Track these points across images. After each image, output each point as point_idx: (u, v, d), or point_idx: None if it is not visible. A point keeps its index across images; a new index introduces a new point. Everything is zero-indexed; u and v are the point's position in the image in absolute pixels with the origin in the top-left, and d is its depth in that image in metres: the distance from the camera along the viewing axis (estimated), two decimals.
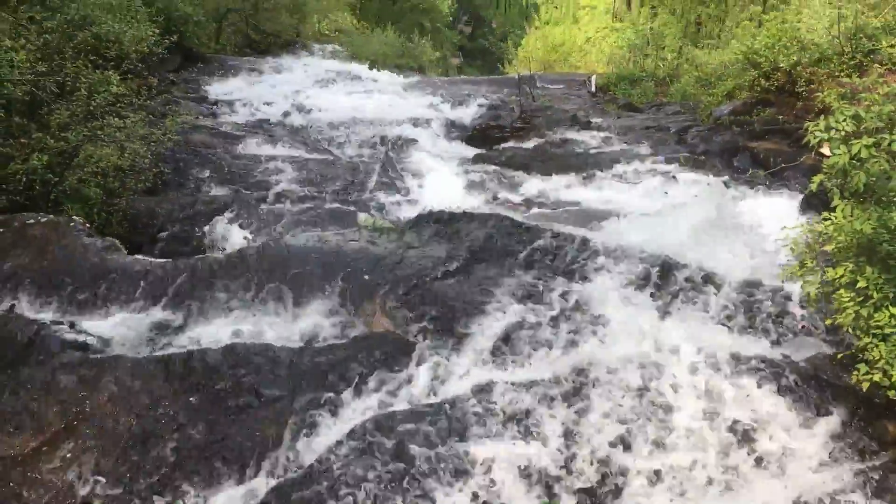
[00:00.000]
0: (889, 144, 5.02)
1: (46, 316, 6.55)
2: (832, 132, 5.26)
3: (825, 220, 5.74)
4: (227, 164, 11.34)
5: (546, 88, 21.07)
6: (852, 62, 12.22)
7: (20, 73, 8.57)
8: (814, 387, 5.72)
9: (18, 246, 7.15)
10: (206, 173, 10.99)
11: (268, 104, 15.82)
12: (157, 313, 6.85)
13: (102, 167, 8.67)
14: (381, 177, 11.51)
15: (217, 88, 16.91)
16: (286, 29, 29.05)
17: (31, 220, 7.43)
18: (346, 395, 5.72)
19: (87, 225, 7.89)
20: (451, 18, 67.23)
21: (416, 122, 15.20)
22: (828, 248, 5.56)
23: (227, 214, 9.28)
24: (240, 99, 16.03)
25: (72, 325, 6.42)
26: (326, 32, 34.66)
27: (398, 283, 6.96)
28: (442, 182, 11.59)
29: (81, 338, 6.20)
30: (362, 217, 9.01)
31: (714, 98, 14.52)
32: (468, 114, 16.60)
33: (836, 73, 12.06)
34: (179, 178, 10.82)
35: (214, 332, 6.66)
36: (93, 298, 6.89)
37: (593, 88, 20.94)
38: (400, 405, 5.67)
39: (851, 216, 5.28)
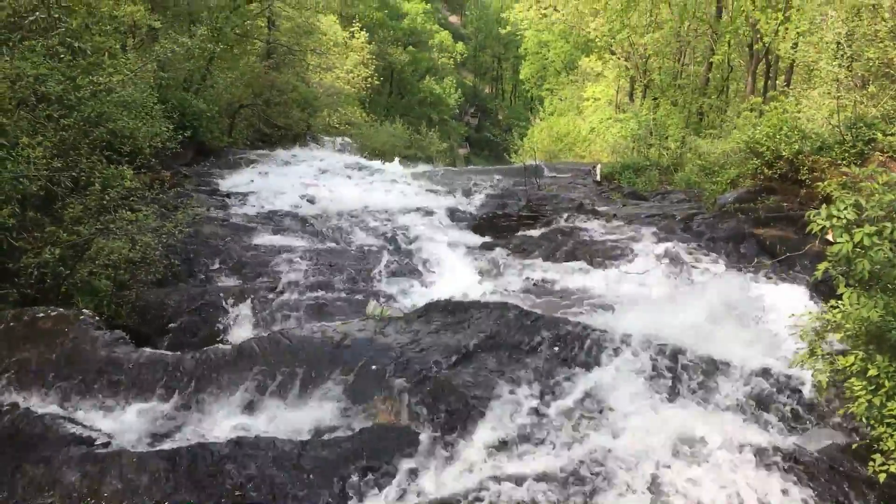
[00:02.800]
0: (891, 233, 5.06)
1: (53, 410, 6.52)
2: (834, 220, 5.31)
3: (833, 307, 5.73)
4: (237, 255, 11.46)
5: (552, 177, 21.40)
6: (853, 150, 12.40)
7: (36, 169, 8.76)
8: (831, 479, 5.60)
9: (28, 340, 7.18)
10: (216, 264, 11.10)
11: (278, 195, 16.06)
12: (164, 406, 6.81)
13: (113, 260, 8.78)
14: (389, 266, 11.59)
15: (228, 181, 17.23)
16: (297, 122, 29.77)
17: (42, 314, 7.48)
18: (352, 492, 5.62)
19: (97, 317, 7.93)
20: (457, 110, 68.99)
21: (424, 212, 15.39)
22: (836, 336, 5.54)
23: (236, 305, 9.33)
24: (250, 191, 16.30)
25: (77, 420, 6.38)
26: (336, 125, 35.51)
27: (405, 374, 6.92)
28: (450, 270, 11.67)
29: (87, 432, 6.15)
30: (370, 306, 9.03)
31: (718, 186, 14.68)
32: (475, 203, 16.81)
33: (838, 162, 12.23)
34: (189, 269, 10.93)
35: (221, 424, 6.61)
36: (100, 392, 6.88)
37: (598, 177, 21.22)
38: (409, 500, 5.56)
39: (858, 304, 5.28)
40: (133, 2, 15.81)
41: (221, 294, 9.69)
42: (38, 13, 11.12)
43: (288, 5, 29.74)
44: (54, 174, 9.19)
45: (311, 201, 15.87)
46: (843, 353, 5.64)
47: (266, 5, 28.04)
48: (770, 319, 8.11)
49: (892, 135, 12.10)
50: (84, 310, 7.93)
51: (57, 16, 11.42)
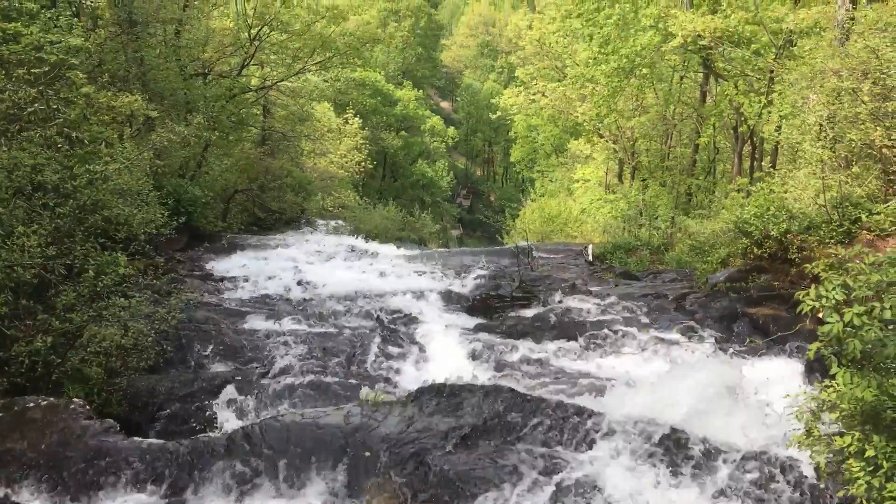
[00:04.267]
0: (881, 312, 5.10)
1: (42, 502, 6.38)
2: (823, 301, 5.37)
3: (827, 387, 5.73)
4: (230, 340, 11.41)
5: (544, 258, 21.53)
6: (841, 230, 12.57)
7: (30, 257, 8.81)
8: None
9: (17, 430, 7.08)
10: (209, 350, 11.04)
11: (271, 279, 16.11)
12: (153, 498, 6.68)
13: (105, 347, 8.75)
14: (382, 349, 11.54)
15: (222, 265, 17.29)
16: (291, 206, 30.07)
17: (31, 404, 7.41)
18: None
19: (87, 406, 7.84)
20: (450, 193, 69.95)
21: (417, 294, 15.41)
22: (832, 416, 5.52)
23: (228, 392, 9.25)
24: (244, 275, 16.35)
25: None
26: (330, 209, 35.85)
27: (399, 461, 6.83)
28: (444, 353, 11.61)
29: None
30: (363, 392, 8.96)
31: (709, 265, 14.80)
32: (468, 284, 16.86)
33: (826, 241, 12.38)
34: (181, 355, 10.86)
35: None
36: (89, 483, 6.75)
37: (590, 257, 21.36)
38: None
39: (852, 384, 5.28)
40: (131, 92, 16.17)
41: (213, 380, 9.61)
42: (37, 104, 11.36)
43: (283, 94, 30.47)
44: (48, 262, 9.23)
45: (305, 285, 15.90)
46: (841, 433, 5.61)
47: (262, 94, 28.73)
48: (765, 400, 8.06)
49: (877, 214, 12.31)
50: (74, 399, 7.85)
51: (56, 107, 11.67)
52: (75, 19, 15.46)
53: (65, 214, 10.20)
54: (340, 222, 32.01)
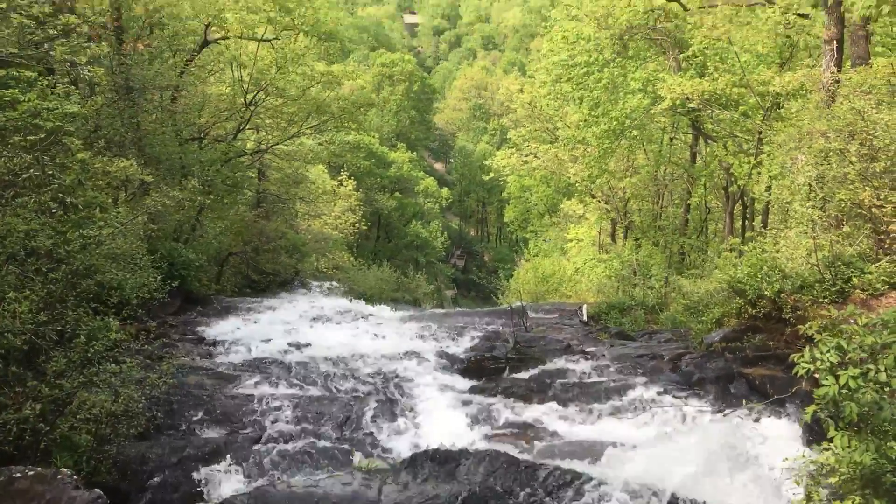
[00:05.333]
0: (876, 375, 5.08)
1: None
2: (818, 363, 5.35)
3: (825, 450, 5.66)
4: (222, 405, 11.27)
5: (539, 319, 21.46)
6: (834, 289, 12.59)
7: (21, 323, 8.75)
8: None
9: (4, 500, 6.93)
10: (200, 415, 10.89)
11: (264, 342, 15.98)
12: None
13: (95, 413, 8.62)
14: (376, 412, 11.40)
15: (215, 329, 17.18)
16: (285, 268, 30.10)
17: (18, 474, 7.26)
18: None
19: (75, 476, 7.68)
20: (444, 253, 70.15)
21: (411, 356, 15.29)
22: (832, 480, 5.44)
23: (220, 459, 9.09)
24: (237, 338, 16.23)
25: None
26: (324, 270, 35.89)
27: None
28: (439, 416, 11.48)
29: None
30: (357, 458, 8.84)
31: (704, 326, 14.77)
32: (463, 346, 16.76)
33: (820, 300, 12.39)
34: (173, 420, 10.71)
35: None
36: None
37: (585, 317, 21.32)
38: None
39: (850, 447, 5.22)
40: (126, 157, 16.31)
41: (204, 447, 9.46)
42: (32, 170, 11.42)
43: (278, 157, 30.78)
44: (39, 328, 9.17)
45: (298, 347, 15.78)
46: (841, 497, 5.52)
47: (257, 158, 29.01)
48: (765, 463, 7.96)
49: (870, 273, 12.35)
50: (62, 468, 7.70)
51: (51, 172, 11.73)
52: (73, 87, 15.70)
53: (57, 280, 10.17)
54: (335, 283, 32.03)
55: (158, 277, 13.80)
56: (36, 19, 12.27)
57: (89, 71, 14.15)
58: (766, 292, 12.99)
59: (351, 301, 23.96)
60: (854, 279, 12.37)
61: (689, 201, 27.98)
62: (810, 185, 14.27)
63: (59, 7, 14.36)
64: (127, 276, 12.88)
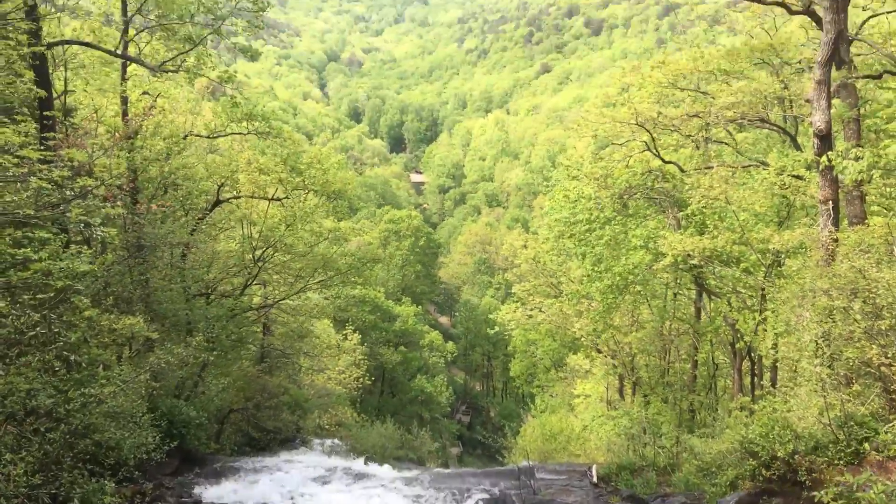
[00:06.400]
0: None
1: None
2: None
3: None
4: None
5: (547, 480, 20.74)
6: (849, 450, 12.25)
7: (15, 486, 8.52)
8: None
9: None
10: None
11: None
12: None
13: None
14: None
15: (213, 491, 16.63)
16: (287, 425, 29.49)
17: None
18: None
19: None
20: (449, 409, 68.95)
21: None
22: None
23: None
24: (235, 502, 15.70)
25: None
26: (327, 427, 35.20)
27: None
28: None
29: None
30: None
31: (718, 489, 14.27)
32: None
33: (835, 462, 12.03)
34: None
35: None
36: None
37: (595, 479, 20.61)
38: None
39: None
40: (133, 314, 16.41)
41: None
42: (39, 328, 11.47)
43: (284, 312, 30.94)
44: (33, 491, 8.92)
45: None
46: None
47: (263, 313, 29.17)
48: None
49: (886, 433, 12.06)
50: None
51: (57, 330, 11.78)
52: (85, 245, 16.06)
53: (55, 440, 10.00)
54: (337, 441, 31.29)
55: (157, 436, 13.54)
56: (54, 182, 12.70)
57: (102, 231, 14.48)
58: (779, 453, 12.64)
59: (353, 460, 23.32)
60: (868, 441, 12.05)
61: (696, 357, 27.79)
62: (817, 342, 14.21)
63: (77, 170, 14.91)
64: (125, 435, 12.63)
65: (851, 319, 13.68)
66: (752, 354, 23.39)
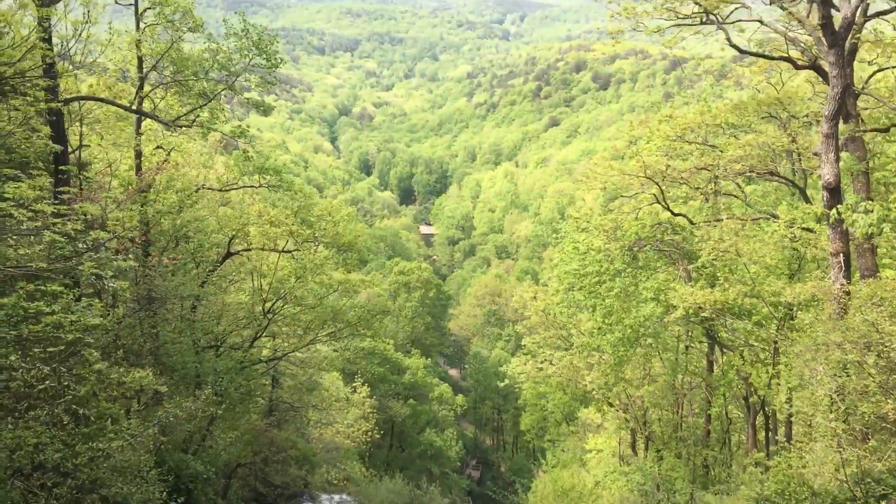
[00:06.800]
0: None
1: None
2: None
3: None
4: None
5: None
6: None
7: None
8: None
9: None
10: None
11: None
12: None
13: None
14: None
15: None
16: (294, 480, 29.12)
17: None
18: None
19: None
20: (459, 463, 67.96)
21: None
22: None
23: None
24: None
25: None
26: (335, 482, 34.72)
27: None
28: None
29: None
30: None
31: None
32: None
33: None
34: None
35: None
36: None
37: None
38: None
39: None
40: (142, 367, 16.36)
41: None
42: (48, 381, 11.46)
43: (293, 364, 30.80)
44: None
45: None
46: None
47: (272, 365, 29.05)
48: None
49: None
50: None
51: (66, 384, 11.76)
52: (97, 298, 16.12)
53: (62, 495, 9.92)
54: (346, 497, 30.90)
55: (165, 491, 13.39)
56: (68, 235, 12.82)
57: (114, 283, 14.56)
58: None
59: None
60: (886, 499, 11.81)
61: (709, 411, 27.44)
62: (831, 397, 14.03)
63: (90, 224, 15.05)
64: (133, 491, 12.49)
65: (866, 373, 13.52)
66: (767, 409, 23.09)
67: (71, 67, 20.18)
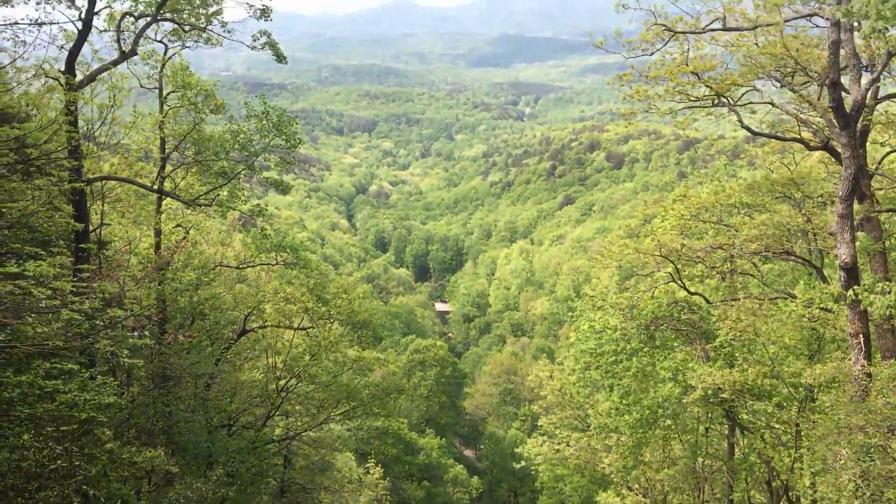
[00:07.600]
0: None
1: None
2: None
3: None
4: None
5: None
6: None
7: None
8: None
9: None
10: None
11: None
12: None
13: None
14: None
15: None
16: None
17: None
18: None
19: None
20: None
21: None
22: None
23: None
24: None
25: None
26: None
27: None
28: None
29: None
30: None
31: None
32: None
33: None
34: None
35: None
36: None
37: None
38: None
39: None
40: (154, 446, 16.23)
41: None
42: (60, 461, 11.38)
43: (306, 444, 30.42)
44: None
45: None
46: None
47: (285, 444, 28.71)
48: None
49: None
50: None
51: (78, 463, 11.67)
52: (111, 376, 16.12)
53: None
54: None
55: None
56: (85, 313, 12.91)
57: (129, 360, 14.58)
58: None
59: None
60: None
61: (731, 496, 26.68)
62: (856, 482, 13.66)
63: (108, 301, 15.17)
64: None
65: (890, 458, 13.20)
66: (790, 493, 22.44)
67: (95, 148, 20.70)
